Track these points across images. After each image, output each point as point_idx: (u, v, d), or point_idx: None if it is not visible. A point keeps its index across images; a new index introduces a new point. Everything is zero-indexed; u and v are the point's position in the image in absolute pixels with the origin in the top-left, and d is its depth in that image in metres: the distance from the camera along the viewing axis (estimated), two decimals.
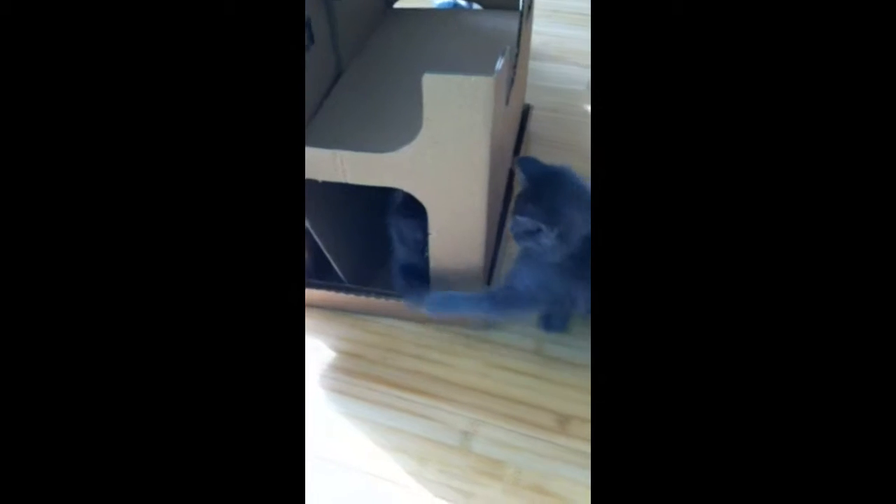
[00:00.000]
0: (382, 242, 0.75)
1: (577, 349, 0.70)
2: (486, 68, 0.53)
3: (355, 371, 0.69)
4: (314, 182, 0.61)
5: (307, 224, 0.65)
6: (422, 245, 0.68)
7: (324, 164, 0.60)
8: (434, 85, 0.52)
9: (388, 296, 0.72)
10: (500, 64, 0.53)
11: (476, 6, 1.00)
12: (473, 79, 0.51)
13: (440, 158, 0.57)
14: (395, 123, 0.68)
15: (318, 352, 0.72)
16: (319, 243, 0.67)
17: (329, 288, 0.73)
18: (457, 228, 0.63)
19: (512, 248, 0.81)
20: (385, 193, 0.67)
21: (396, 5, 0.96)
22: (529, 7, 0.79)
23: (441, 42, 0.86)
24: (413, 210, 0.66)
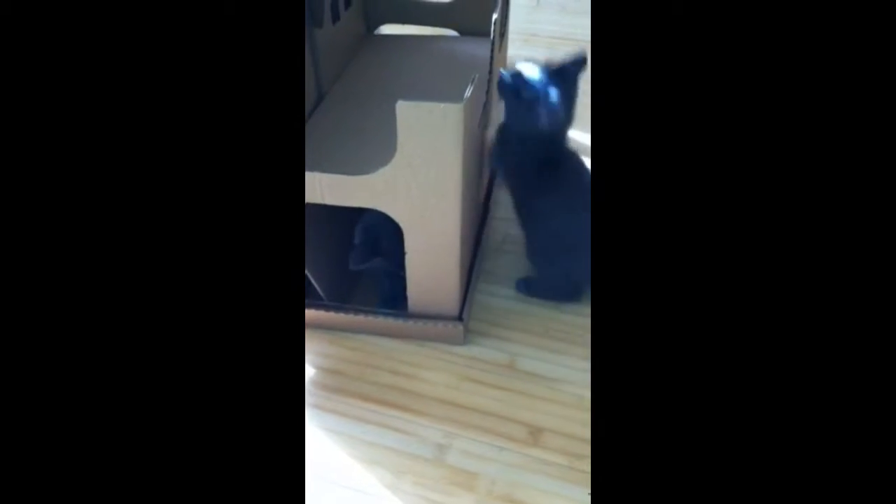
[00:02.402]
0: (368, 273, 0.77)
1: (549, 363, 0.72)
2: (459, 93, 0.56)
3: (333, 387, 0.71)
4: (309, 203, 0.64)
5: None
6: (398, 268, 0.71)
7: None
8: (407, 111, 0.55)
9: (366, 312, 0.74)
10: (469, 91, 0.56)
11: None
12: (444, 106, 0.54)
13: (414, 180, 0.60)
14: (373, 146, 0.70)
15: None
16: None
17: (309, 306, 0.75)
18: (432, 246, 0.66)
19: (489, 265, 0.84)
20: (361, 211, 0.69)
21: (378, 31, 0.99)
22: (502, 34, 0.82)
23: (419, 67, 0.89)
24: (375, 246, 0.69)
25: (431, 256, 0.66)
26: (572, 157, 0.73)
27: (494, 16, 0.70)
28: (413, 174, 0.59)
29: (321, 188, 0.62)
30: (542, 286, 0.79)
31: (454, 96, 0.56)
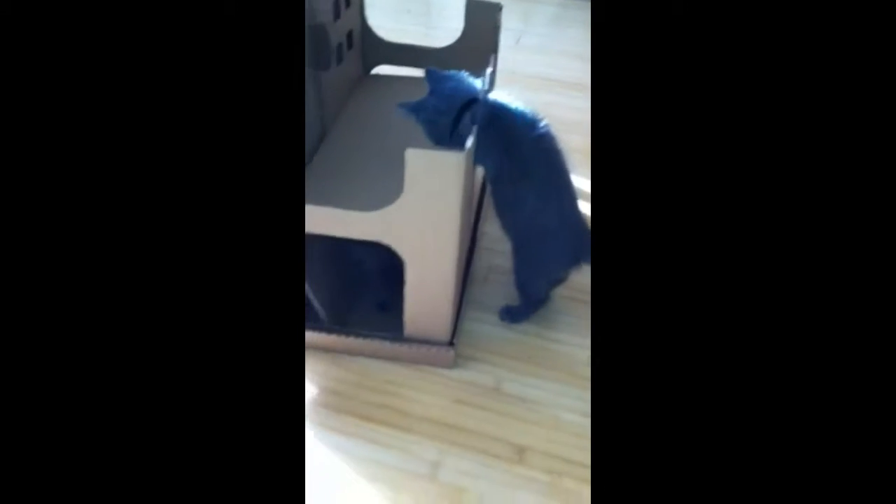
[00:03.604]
0: (354, 282, 0.83)
1: (532, 387, 0.79)
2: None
3: (333, 406, 0.76)
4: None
5: None
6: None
7: (316, 218, 0.68)
8: (415, 158, 0.61)
9: (364, 336, 0.79)
10: (470, 142, 0.63)
11: None
12: (448, 154, 0.60)
13: (417, 218, 0.66)
14: (373, 180, 0.77)
15: None
16: (307, 286, 0.74)
17: (311, 329, 0.79)
18: (429, 278, 0.71)
19: (475, 294, 0.90)
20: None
21: (373, 72, 1.06)
22: (491, 81, 0.90)
23: None
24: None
25: (428, 286, 0.72)
26: (541, 143, 0.78)
27: (489, 69, 0.77)
28: (416, 213, 0.65)
29: (333, 222, 0.68)
30: (521, 309, 0.86)
31: None
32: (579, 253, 0.80)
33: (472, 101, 0.73)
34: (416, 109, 0.75)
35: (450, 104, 0.73)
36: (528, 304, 0.86)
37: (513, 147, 0.74)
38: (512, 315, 0.87)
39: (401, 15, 1.91)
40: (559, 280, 0.86)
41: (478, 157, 0.74)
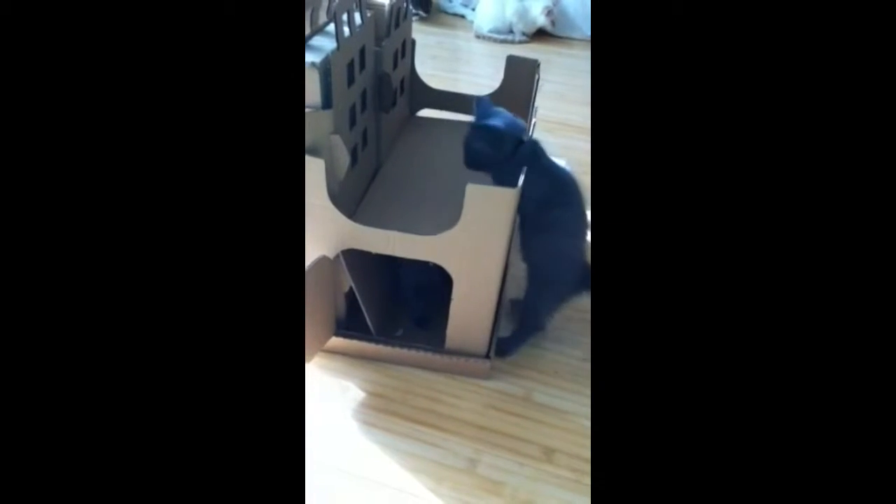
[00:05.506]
0: (401, 297, 0.94)
1: (559, 398, 0.88)
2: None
3: (380, 407, 0.85)
4: (365, 252, 0.80)
5: (352, 283, 0.83)
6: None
7: (377, 240, 0.78)
8: (474, 192, 0.72)
9: (408, 346, 0.89)
10: (521, 180, 0.74)
11: None
12: (504, 190, 0.72)
13: (470, 243, 0.76)
14: (424, 208, 0.88)
15: (348, 391, 0.87)
16: (359, 299, 0.84)
17: (360, 339, 0.89)
18: (474, 296, 0.82)
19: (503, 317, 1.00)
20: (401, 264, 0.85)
21: (417, 114, 1.18)
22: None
23: (453, 146, 1.07)
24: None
25: (472, 304, 0.83)
26: (575, 180, 0.86)
27: (534, 120, 0.89)
28: (470, 239, 0.76)
29: (393, 243, 0.78)
30: (516, 336, 0.93)
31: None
32: (582, 284, 0.88)
33: (520, 142, 0.83)
34: (478, 132, 0.83)
35: (504, 140, 0.82)
36: (525, 331, 0.93)
37: (558, 178, 0.84)
38: (505, 346, 0.92)
39: (428, 60, 2.06)
40: (559, 308, 0.93)
41: (528, 182, 0.80)
